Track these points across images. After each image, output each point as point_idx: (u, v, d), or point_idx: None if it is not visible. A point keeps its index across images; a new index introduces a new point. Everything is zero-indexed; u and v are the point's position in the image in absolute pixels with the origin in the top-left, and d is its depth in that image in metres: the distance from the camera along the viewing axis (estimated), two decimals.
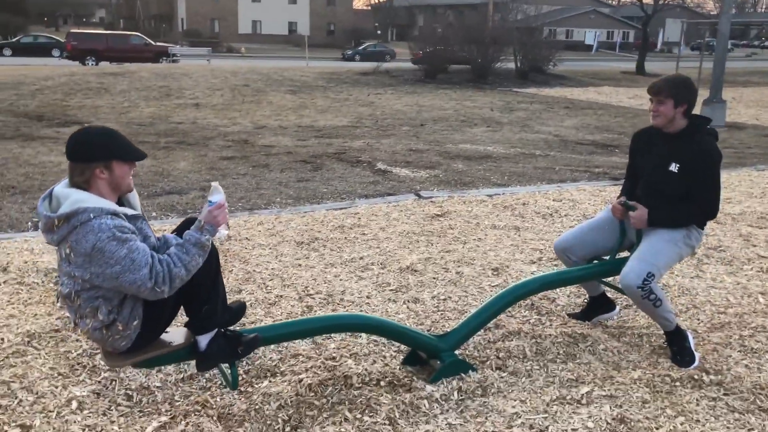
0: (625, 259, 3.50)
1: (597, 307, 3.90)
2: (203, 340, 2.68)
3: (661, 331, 3.61)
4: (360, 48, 45.34)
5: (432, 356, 3.26)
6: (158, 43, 34.85)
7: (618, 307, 3.97)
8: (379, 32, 73.58)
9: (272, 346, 3.42)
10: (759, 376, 3.24)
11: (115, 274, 2.35)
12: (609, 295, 3.95)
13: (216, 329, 2.71)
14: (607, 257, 3.65)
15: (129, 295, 2.48)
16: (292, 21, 64.81)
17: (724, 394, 3.09)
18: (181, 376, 3.15)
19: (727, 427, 2.84)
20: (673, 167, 3.32)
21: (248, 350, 2.78)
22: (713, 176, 3.31)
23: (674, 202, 3.36)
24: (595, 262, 3.66)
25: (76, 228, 2.35)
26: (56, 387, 3.00)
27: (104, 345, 2.57)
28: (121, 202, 2.54)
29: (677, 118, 3.32)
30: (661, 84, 3.31)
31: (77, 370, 3.16)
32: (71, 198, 2.39)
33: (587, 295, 3.98)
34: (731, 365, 3.36)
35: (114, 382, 3.06)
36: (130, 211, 2.50)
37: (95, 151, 2.42)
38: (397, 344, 3.48)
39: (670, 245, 3.34)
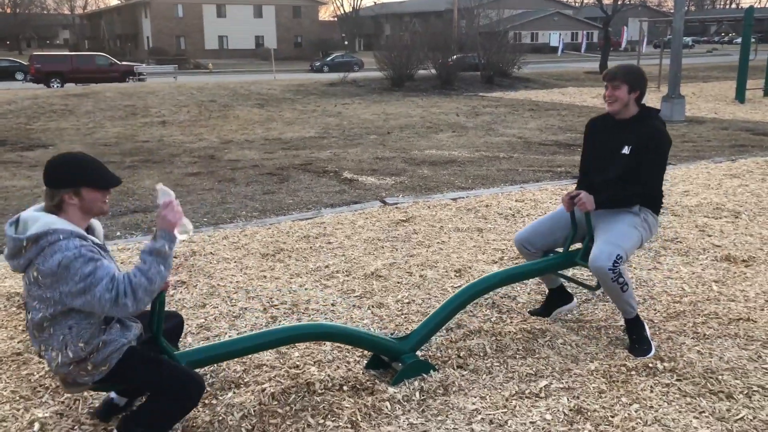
0: (576, 252, 3.60)
1: (556, 299, 3.99)
2: None
3: (619, 323, 3.71)
4: (328, 59, 45.52)
5: (394, 359, 3.31)
6: (124, 63, 34.67)
7: (576, 300, 4.07)
8: (346, 42, 73.82)
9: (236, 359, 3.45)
10: (710, 361, 3.35)
11: (80, 290, 2.37)
12: (568, 288, 4.04)
13: None
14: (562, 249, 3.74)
15: (102, 335, 2.51)
16: (258, 35, 64.77)
17: (677, 380, 3.19)
18: None
19: (679, 411, 2.93)
20: (626, 150, 3.47)
21: None
22: (661, 157, 3.45)
23: (621, 184, 3.47)
24: (550, 255, 3.75)
25: (44, 249, 2.37)
26: (18, 410, 2.99)
27: (66, 378, 2.58)
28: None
29: (630, 104, 3.49)
30: (615, 71, 3.50)
31: (39, 392, 3.15)
32: (41, 221, 2.42)
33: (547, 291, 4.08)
34: (684, 352, 3.46)
35: (77, 402, 3.06)
36: (96, 240, 2.53)
37: (64, 178, 2.48)
38: (361, 349, 3.53)
39: (631, 228, 3.45)
